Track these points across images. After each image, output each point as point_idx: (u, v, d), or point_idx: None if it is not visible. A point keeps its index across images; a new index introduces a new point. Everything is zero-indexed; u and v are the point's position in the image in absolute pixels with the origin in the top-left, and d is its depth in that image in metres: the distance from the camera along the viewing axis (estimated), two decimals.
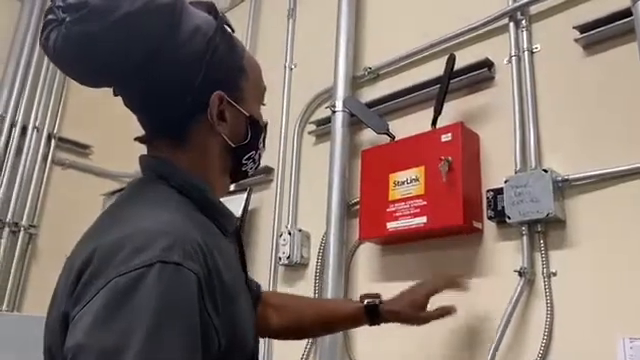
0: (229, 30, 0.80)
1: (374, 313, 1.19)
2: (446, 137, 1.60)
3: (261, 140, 0.86)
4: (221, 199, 0.83)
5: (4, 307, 2.65)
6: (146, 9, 0.68)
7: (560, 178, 1.41)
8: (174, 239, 0.62)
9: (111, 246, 0.61)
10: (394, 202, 1.68)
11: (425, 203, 1.60)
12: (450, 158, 1.55)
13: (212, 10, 0.79)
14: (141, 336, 0.55)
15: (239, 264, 0.86)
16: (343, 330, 1.73)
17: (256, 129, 0.82)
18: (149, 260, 0.59)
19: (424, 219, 1.59)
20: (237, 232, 0.89)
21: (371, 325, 1.21)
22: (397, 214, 1.66)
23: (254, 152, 0.84)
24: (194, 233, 0.66)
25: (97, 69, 0.72)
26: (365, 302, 1.21)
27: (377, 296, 1.23)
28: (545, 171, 1.41)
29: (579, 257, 1.38)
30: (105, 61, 0.70)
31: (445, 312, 1.26)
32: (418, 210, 1.61)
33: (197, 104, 0.76)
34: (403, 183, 1.67)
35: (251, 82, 0.82)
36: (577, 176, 1.40)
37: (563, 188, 1.42)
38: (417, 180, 1.64)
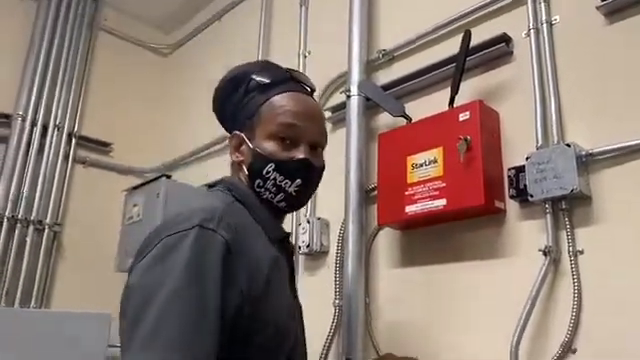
0: (264, 83, 1.05)
1: None
2: (464, 116, 1.56)
3: (268, 170, 0.98)
4: None
5: (32, 304, 2.70)
6: (224, 80, 1.10)
7: (584, 152, 1.36)
8: (213, 215, 0.85)
9: (166, 221, 0.87)
10: (412, 185, 1.64)
11: (444, 185, 1.56)
12: (469, 137, 1.50)
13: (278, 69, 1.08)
14: (176, 274, 0.77)
15: (287, 274, 1.01)
16: None
17: (259, 160, 1.00)
18: (191, 225, 0.82)
19: (444, 201, 1.55)
20: (288, 246, 1.07)
21: None
22: (416, 197, 1.62)
23: (260, 180, 0.99)
24: (233, 218, 0.87)
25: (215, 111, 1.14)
26: None
27: None
28: (568, 146, 1.36)
29: (607, 234, 1.33)
30: (216, 106, 1.13)
31: None
32: (437, 192, 1.57)
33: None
34: (421, 165, 1.64)
35: (263, 123, 1.01)
36: (601, 149, 1.34)
37: (587, 163, 1.37)
38: (435, 162, 1.60)
